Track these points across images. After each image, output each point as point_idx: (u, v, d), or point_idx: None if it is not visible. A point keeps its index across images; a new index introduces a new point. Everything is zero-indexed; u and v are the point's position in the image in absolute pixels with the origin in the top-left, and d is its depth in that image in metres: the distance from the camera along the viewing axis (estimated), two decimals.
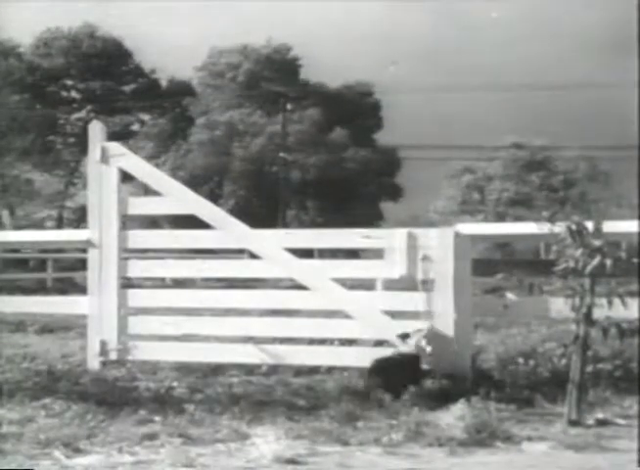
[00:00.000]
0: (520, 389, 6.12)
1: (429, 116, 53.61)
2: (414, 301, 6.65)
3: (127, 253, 7.47)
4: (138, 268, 7.49)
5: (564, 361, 5.67)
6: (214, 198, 41.84)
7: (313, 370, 6.91)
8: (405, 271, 6.64)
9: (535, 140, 50.07)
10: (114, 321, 7.22)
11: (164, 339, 7.32)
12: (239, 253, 13.68)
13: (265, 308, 7.57)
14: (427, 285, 6.58)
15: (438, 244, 6.59)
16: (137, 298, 7.38)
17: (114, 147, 7.45)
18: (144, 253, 9.57)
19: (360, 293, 7.18)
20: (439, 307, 6.51)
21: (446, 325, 6.48)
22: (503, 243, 41.59)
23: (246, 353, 6.97)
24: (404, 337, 6.38)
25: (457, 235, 6.56)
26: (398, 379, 5.99)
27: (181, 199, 7.33)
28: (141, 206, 7.57)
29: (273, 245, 7.04)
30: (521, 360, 6.77)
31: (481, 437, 4.93)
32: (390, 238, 6.79)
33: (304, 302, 7.05)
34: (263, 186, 46.33)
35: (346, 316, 6.93)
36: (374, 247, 7.08)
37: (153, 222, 33.96)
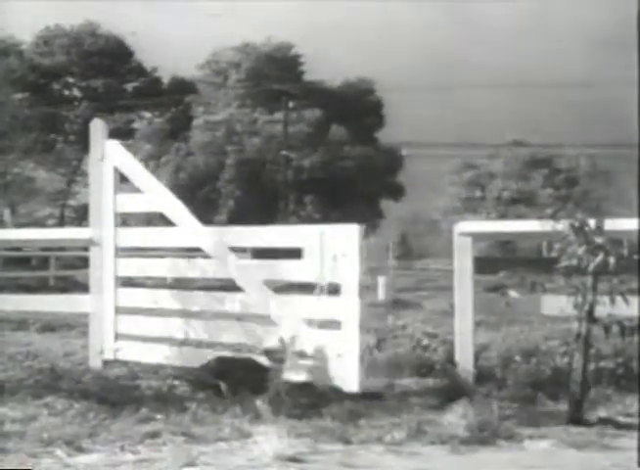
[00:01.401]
0: (522, 387, 6.12)
1: (430, 114, 53.62)
2: (333, 307, 6.16)
3: (127, 252, 7.43)
4: (126, 267, 7.37)
5: (566, 359, 5.67)
6: (214, 197, 41.86)
7: None
8: (318, 273, 6.17)
9: (536, 138, 50.04)
10: (111, 320, 7.21)
11: (152, 340, 7.20)
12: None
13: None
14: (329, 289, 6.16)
15: (345, 243, 6.12)
16: (127, 297, 7.27)
17: (112, 145, 7.42)
18: (142, 251, 9.48)
19: (285, 297, 6.57)
20: (343, 315, 6.07)
21: (351, 334, 6.01)
22: (505, 241, 41.49)
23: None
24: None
25: (450, 233, 6.43)
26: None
27: (153, 196, 7.18)
28: (123, 204, 7.40)
29: (219, 243, 6.80)
30: (522, 358, 6.76)
31: (484, 435, 4.93)
32: (307, 237, 6.37)
33: (237, 305, 6.76)
34: (264, 184, 46.27)
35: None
36: (291, 246, 6.60)
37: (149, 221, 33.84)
